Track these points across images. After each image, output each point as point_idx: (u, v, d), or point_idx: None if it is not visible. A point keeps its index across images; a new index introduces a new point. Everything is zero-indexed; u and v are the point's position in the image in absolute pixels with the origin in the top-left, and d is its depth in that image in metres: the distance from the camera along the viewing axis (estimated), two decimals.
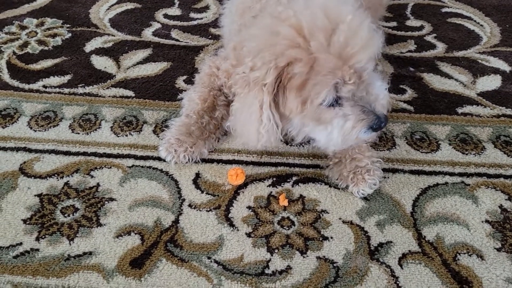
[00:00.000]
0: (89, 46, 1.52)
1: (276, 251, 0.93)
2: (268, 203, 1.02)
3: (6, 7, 1.72)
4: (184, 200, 1.02)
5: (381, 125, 0.90)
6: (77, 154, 1.12)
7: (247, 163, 1.12)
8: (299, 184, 1.07)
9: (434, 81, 1.39)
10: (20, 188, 1.03)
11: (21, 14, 1.68)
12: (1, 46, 1.51)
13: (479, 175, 1.09)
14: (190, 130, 1.11)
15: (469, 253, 0.93)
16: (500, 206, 1.02)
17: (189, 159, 1.09)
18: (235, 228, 0.97)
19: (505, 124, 1.23)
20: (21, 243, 0.93)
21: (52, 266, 0.89)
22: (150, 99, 1.30)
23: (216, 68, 1.19)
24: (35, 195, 1.02)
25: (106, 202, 1.01)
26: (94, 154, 1.12)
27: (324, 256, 0.92)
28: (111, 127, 1.20)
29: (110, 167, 1.09)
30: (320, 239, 0.95)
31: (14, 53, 1.48)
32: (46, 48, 1.51)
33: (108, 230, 0.96)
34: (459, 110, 1.28)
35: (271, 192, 1.05)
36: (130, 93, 1.32)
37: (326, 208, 1.01)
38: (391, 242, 0.95)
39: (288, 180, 1.07)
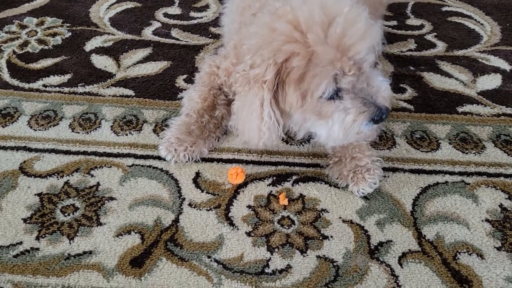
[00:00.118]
0: (89, 45, 1.52)
1: (276, 250, 0.93)
2: (268, 202, 1.02)
3: (6, 6, 1.72)
4: (184, 199, 1.02)
5: (382, 116, 0.90)
6: (77, 153, 1.12)
7: (247, 162, 1.12)
8: (299, 183, 1.07)
9: (434, 80, 1.39)
10: (20, 187, 1.03)
11: (21, 13, 1.68)
12: (1, 45, 1.50)
13: (479, 174, 1.09)
14: (190, 129, 1.11)
15: (469, 252, 0.93)
16: (500, 205, 1.02)
17: (189, 158, 1.10)
18: (235, 227, 0.97)
19: (505, 123, 1.23)
20: (21, 242, 0.93)
21: (52, 265, 0.89)
22: (150, 98, 1.30)
23: (216, 67, 1.19)
24: (35, 194, 1.02)
25: (106, 201, 1.01)
26: (94, 153, 1.12)
27: (324, 255, 0.92)
28: (111, 126, 1.20)
29: (110, 166, 1.09)
30: (320, 238, 0.95)
31: (14, 52, 1.48)
32: (46, 47, 1.51)
33: (108, 229, 0.96)
34: (459, 109, 1.28)
35: (271, 191, 1.05)
36: (130, 92, 1.32)
37: (326, 207, 1.01)
38: (391, 241, 0.95)
39: (288, 179, 1.07)
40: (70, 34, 1.57)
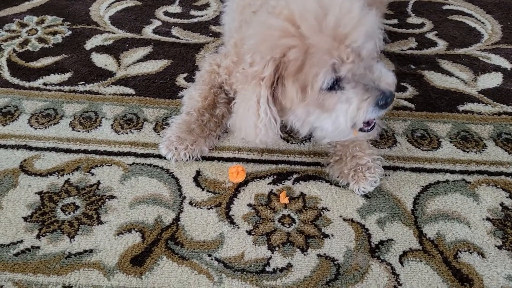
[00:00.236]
0: (89, 44, 1.52)
1: (277, 248, 0.93)
2: (268, 201, 1.02)
3: (6, 4, 1.72)
4: (184, 197, 1.02)
5: (387, 100, 0.87)
6: (77, 152, 1.12)
7: (247, 160, 1.12)
8: (300, 181, 1.06)
9: (435, 78, 1.39)
10: (20, 186, 1.03)
11: (21, 12, 1.68)
12: (2, 44, 1.50)
13: (480, 172, 1.09)
14: (190, 128, 1.11)
15: (470, 251, 0.93)
16: (501, 204, 1.02)
17: (189, 157, 1.09)
18: (236, 225, 0.97)
19: (506, 121, 1.23)
20: (21, 241, 0.93)
21: (53, 263, 0.89)
22: (150, 97, 1.29)
23: (217, 65, 1.19)
24: (35, 193, 1.02)
25: (107, 199, 1.01)
26: (95, 152, 1.12)
27: (324, 254, 0.92)
28: (112, 124, 1.20)
29: (111, 165, 1.09)
30: (321, 236, 0.95)
31: (14, 50, 1.48)
32: (46, 45, 1.50)
33: (108, 227, 0.96)
34: (460, 108, 1.28)
35: (272, 189, 1.05)
36: (130, 90, 1.32)
37: (326, 206, 1.01)
38: (391, 239, 0.95)
39: (289, 177, 1.07)
40: (70, 32, 1.57)
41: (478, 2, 1.79)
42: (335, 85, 0.87)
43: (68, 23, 1.62)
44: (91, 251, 0.91)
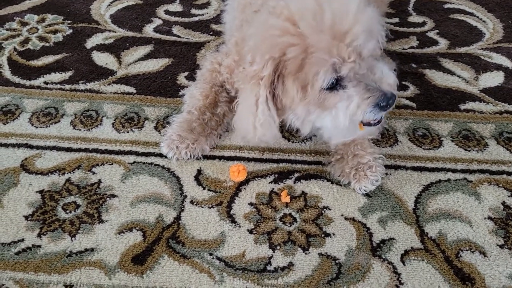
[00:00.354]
0: (90, 43, 1.51)
1: (278, 247, 0.93)
2: (270, 200, 1.02)
3: (6, 3, 1.71)
4: (186, 196, 1.02)
5: (388, 102, 0.87)
6: (78, 150, 1.12)
7: (249, 159, 1.11)
8: (301, 180, 1.06)
9: (436, 77, 1.39)
10: (21, 185, 1.03)
11: (22, 10, 1.68)
12: (2, 43, 1.50)
13: (481, 171, 1.09)
14: (191, 127, 1.10)
15: (472, 250, 0.93)
16: (503, 203, 1.02)
17: (190, 156, 1.09)
18: (237, 224, 0.97)
19: (508, 120, 1.23)
20: (23, 240, 0.93)
21: (54, 262, 0.89)
22: (151, 96, 1.29)
23: (218, 64, 1.18)
24: (36, 192, 1.02)
25: (108, 198, 1.01)
26: (96, 151, 1.12)
27: (326, 253, 0.92)
28: (113, 123, 1.20)
29: (112, 164, 1.09)
30: (322, 235, 0.95)
31: (15, 49, 1.47)
32: (47, 44, 1.50)
33: (110, 226, 0.96)
34: (462, 107, 1.28)
35: (273, 188, 1.05)
36: (131, 89, 1.31)
37: (328, 205, 1.01)
38: (393, 238, 0.95)
39: (290, 176, 1.07)
40: (71, 31, 1.57)
41: (479, 1, 1.79)
42: (337, 84, 0.87)
43: (69, 21, 1.62)
44: (92, 250, 0.91)
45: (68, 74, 1.37)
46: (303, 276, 0.88)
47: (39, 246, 0.91)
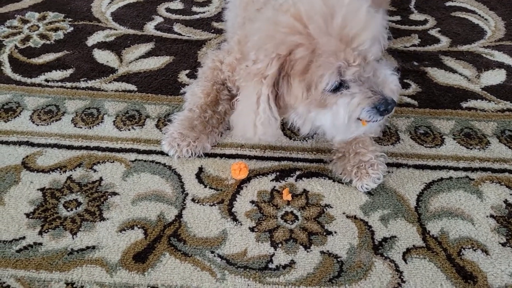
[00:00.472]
0: (91, 40, 1.51)
1: (280, 245, 0.93)
2: (271, 198, 1.02)
3: (7, 1, 1.71)
4: (187, 194, 1.02)
5: (388, 107, 0.88)
6: (79, 148, 1.12)
7: (250, 157, 1.11)
8: (303, 178, 1.06)
9: (438, 75, 1.39)
10: (22, 182, 1.03)
11: (23, 8, 1.67)
12: (3, 40, 1.50)
13: (483, 169, 1.09)
14: (193, 125, 1.10)
15: (474, 248, 0.93)
16: (505, 201, 1.02)
17: (192, 154, 1.09)
18: (239, 222, 0.97)
19: (510, 118, 1.23)
20: (24, 237, 0.92)
21: (55, 260, 0.89)
22: (152, 93, 1.29)
23: (220, 62, 1.18)
24: (38, 189, 1.02)
25: (109, 196, 1.01)
26: (97, 148, 1.12)
27: (328, 251, 0.92)
28: (114, 121, 1.20)
29: (113, 162, 1.09)
30: (324, 233, 0.95)
31: (16, 47, 1.47)
32: (48, 42, 1.50)
33: (111, 224, 0.95)
34: (464, 105, 1.27)
35: (275, 186, 1.04)
36: (132, 87, 1.31)
37: (329, 203, 1.01)
38: (395, 236, 0.94)
39: (292, 174, 1.07)
40: (72, 29, 1.57)
41: None
42: (340, 87, 0.88)
43: (70, 19, 1.62)
44: (93, 247, 0.91)
45: (69, 71, 1.37)
46: (305, 274, 0.88)
47: (41, 244, 0.91)
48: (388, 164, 1.08)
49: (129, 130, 1.17)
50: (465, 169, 1.09)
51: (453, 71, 1.40)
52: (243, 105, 0.95)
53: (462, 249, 0.92)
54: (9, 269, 0.87)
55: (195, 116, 1.11)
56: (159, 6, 1.71)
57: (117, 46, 1.48)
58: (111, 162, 1.09)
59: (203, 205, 1.00)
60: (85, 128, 1.17)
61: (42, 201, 0.99)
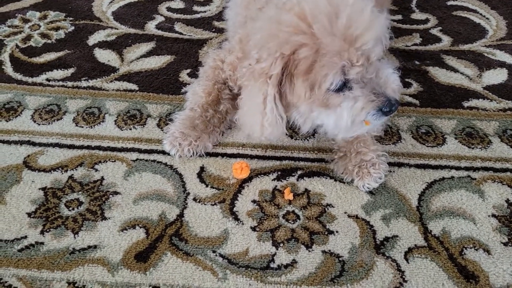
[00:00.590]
0: (92, 39, 1.51)
1: (281, 245, 0.93)
2: (273, 197, 1.02)
3: (8, 0, 1.71)
4: (188, 193, 1.02)
5: (391, 108, 0.89)
6: (81, 147, 1.12)
7: (251, 157, 1.11)
8: (304, 178, 1.06)
9: (439, 74, 1.38)
10: (24, 182, 1.03)
11: (23, 7, 1.67)
12: (4, 39, 1.50)
13: (485, 169, 1.09)
14: (194, 124, 1.10)
15: (476, 248, 0.92)
16: (507, 201, 1.01)
17: (193, 153, 1.09)
18: (240, 222, 0.97)
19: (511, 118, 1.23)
20: (25, 237, 0.92)
21: (57, 259, 0.89)
22: (153, 93, 1.29)
23: (221, 61, 1.18)
24: (39, 189, 1.02)
25: (111, 195, 1.01)
26: (98, 148, 1.12)
27: (329, 250, 0.92)
28: (115, 120, 1.20)
29: (114, 161, 1.09)
30: (326, 233, 0.95)
31: (17, 46, 1.47)
32: (49, 41, 1.50)
33: (112, 223, 0.95)
34: (465, 104, 1.27)
35: (276, 186, 1.04)
36: (133, 86, 1.31)
37: (331, 202, 1.01)
38: (397, 236, 0.94)
39: (293, 174, 1.07)
40: (73, 28, 1.57)
41: None
42: (343, 87, 0.88)
43: (71, 18, 1.62)
44: (95, 247, 0.91)
45: (70, 71, 1.37)
46: (307, 273, 0.88)
47: (42, 243, 0.91)
48: (390, 164, 1.08)
49: (130, 129, 1.17)
50: (466, 169, 1.09)
51: (455, 70, 1.40)
52: (249, 106, 0.95)
53: (464, 248, 0.92)
54: (11, 269, 0.87)
55: (196, 116, 1.11)
56: (160, 5, 1.71)
57: (118, 45, 1.48)
58: (112, 161, 1.08)
59: (205, 204, 1.00)
60: (87, 128, 1.17)
61: (43, 201, 0.99)
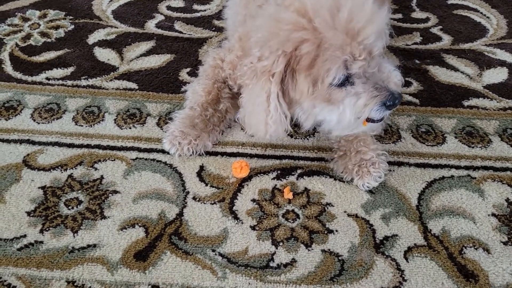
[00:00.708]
0: (92, 38, 1.51)
1: (281, 244, 0.92)
2: (272, 196, 1.02)
3: None
4: (188, 192, 1.02)
5: (395, 101, 0.89)
6: (80, 146, 1.12)
7: (251, 156, 1.11)
8: (304, 177, 1.06)
9: (440, 73, 1.38)
10: (23, 181, 1.03)
11: (23, 6, 1.67)
12: (4, 38, 1.50)
13: (485, 168, 1.08)
14: (194, 123, 1.10)
15: (475, 247, 0.92)
16: (507, 200, 1.01)
17: (193, 152, 1.09)
18: (240, 221, 0.96)
19: None
20: (25, 236, 0.92)
21: (57, 258, 0.89)
22: (153, 92, 1.29)
23: (221, 60, 1.18)
24: (38, 188, 1.02)
25: (110, 194, 1.01)
26: (98, 147, 1.12)
27: (329, 249, 0.92)
28: (115, 119, 1.20)
29: (114, 160, 1.09)
30: (325, 232, 0.95)
31: (17, 45, 1.47)
32: (49, 40, 1.50)
33: (112, 222, 0.95)
34: (465, 103, 1.27)
35: (276, 185, 1.04)
36: (133, 85, 1.31)
37: (331, 201, 1.01)
38: (396, 235, 0.94)
39: (293, 173, 1.07)
40: (73, 27, 1.57)
41: None
42: (345, 81, 0.88)
43: (71, 17, 1.62)
44: (94, 246, 0.91)
45: (70, 70, 1.37)
46: (306, 272, 0.88)
47: (42, 242, 0.91)
48: (390, 163, 1.08)
49: (130, 128, 1.17)
50: (466, 168, 1.08)
51: (455, 69, 1.40)
52: (252, 104, 0.95)
53: (464, 247, 0.92)
54: (10, 267, 0.87)
55: (196, 114, 1.11)
56: (160, 4, 1.71)
57: (118, 44, 1.48)
58: (112, 160, 1.08)
59: (204, 203, 1.00)
60: (86, 126, 1.17)
61: (43, 199, 0.99)
